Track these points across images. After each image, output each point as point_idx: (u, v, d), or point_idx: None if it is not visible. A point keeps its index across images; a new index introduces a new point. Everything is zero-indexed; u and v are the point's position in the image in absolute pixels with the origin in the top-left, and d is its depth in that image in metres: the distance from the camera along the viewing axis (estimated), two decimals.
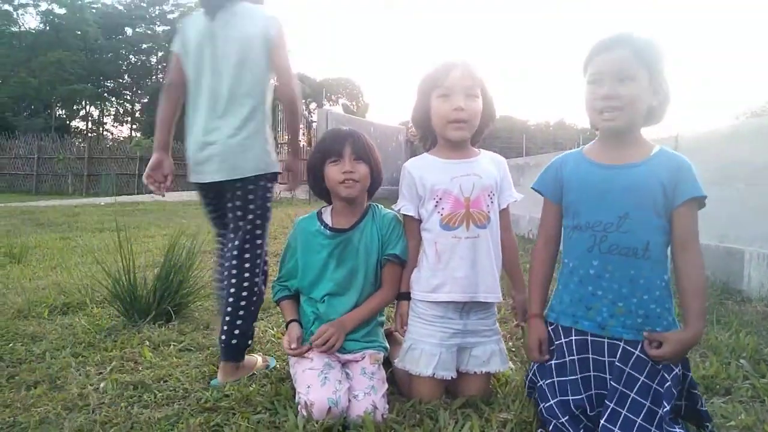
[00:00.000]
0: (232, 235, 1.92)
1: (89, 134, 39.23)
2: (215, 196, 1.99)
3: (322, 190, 1.84)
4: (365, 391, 1.59)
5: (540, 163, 7.59)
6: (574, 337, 1.43)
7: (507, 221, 1.81)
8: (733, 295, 3.32)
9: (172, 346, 2.18)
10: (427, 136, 1.83)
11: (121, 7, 40.61)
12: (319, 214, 1.85)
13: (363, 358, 1.73)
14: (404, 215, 1.79)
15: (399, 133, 17.42)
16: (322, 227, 1.81)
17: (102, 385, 1.79)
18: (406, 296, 1.78)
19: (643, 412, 1.32)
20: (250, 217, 1.90)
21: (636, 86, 1.37)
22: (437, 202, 1.71)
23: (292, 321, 1.79)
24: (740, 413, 1.64)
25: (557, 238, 1.56)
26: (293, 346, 1.71)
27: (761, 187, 3.42)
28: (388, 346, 1.87)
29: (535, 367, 1.54)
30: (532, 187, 1.61)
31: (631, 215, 1.37)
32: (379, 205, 1.89)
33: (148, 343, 2.21)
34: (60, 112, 37.86)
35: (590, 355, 1.41)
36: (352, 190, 1.75)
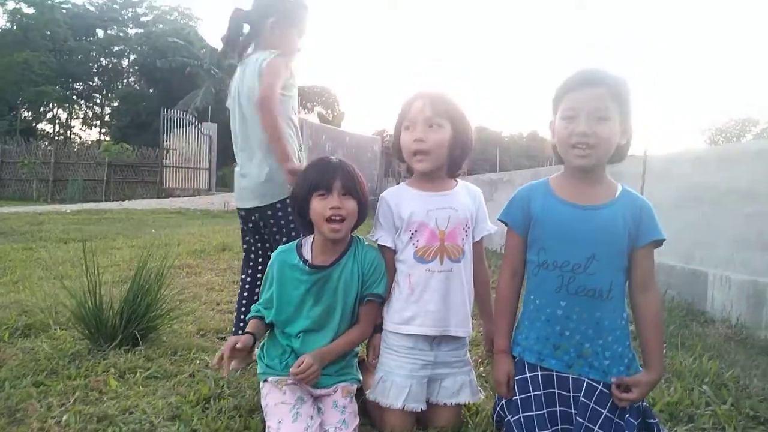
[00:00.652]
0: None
1: (56, 138, 38.26)
2: (253, 219, 2.33)
3: (305, 222, 1.76)
4: (336, 425, 1.57)
5: (512, 180, 7.66)
6: (539, 373, 1.45)
7: (481, 253, 1.82)
8: (698, 317, 3.41)
9: (138, 374, 2.12)
10: (409, 167, 1.83)
11: (92, 9, 39.74)
12: (299, 247, 1.79)
13: (336, 391, 1.72)
14: (380, 245, 1.79)
15: (374, 143, 17.44)
16: (301, 262, 1.75)
17: (65, 418, 1.73)
18: (379, 328, 1.78)
19: None
20: (277, 237, 2.25)
21: (611, 126, 1.39)
22: (412, 234, 1.71)
23: (249, 333, 1.72)
24: None
25: (522, 270, 1.57)
26: (239, 345, 1.61)
27: (725, 210, 3.53)
28: (360, 377, 1.86)
29: (503, 402, 1.55)
30: (499, 219, 1.63)
31: (597, 256, 1.39)
32: (362, 239, 1.83)
33: (113, 370, 2.15)
34: (26, 114, 36.81)
35: (556, 390, 1.43)
36: (338, 233, 1.67)
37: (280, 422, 1.53)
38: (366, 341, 1.86)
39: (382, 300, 1.77)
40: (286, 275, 1.76)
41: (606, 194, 1.45)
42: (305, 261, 1.75)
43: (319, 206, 1.67)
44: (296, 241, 1.84)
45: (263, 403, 1.69)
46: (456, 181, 1.82)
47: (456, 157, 1.76)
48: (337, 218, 1.66)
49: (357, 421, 1.65)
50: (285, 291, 1.76)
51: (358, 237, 1.83)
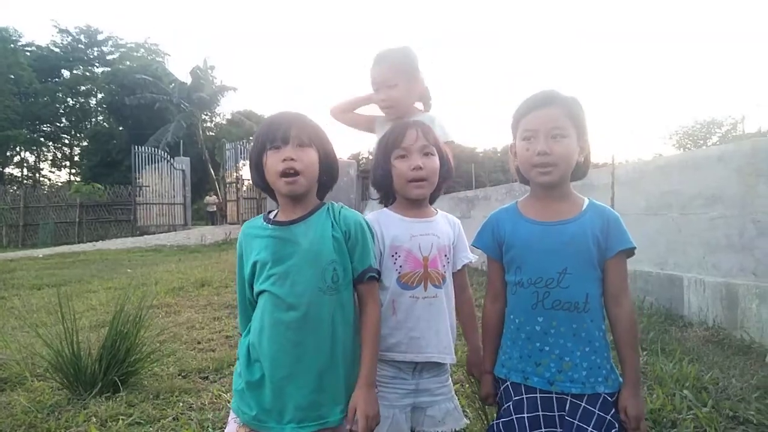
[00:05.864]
0: None
1: (24, 181, 37.49)
2: None
3: (268, 187, 1.52)
4: None
5: (488, 196, 7.77)
6: (524, 396, 1.46)
7: (464, 281, 1.84)
8: (676, 321, 3.48)
9: (120, 421, 2.07)
10: (388, 196, 1.84)
11: (57, 50, 39.41)
12: (267, 213, 1.57)
13: None
14: None
15: (350, 167, 17.36)
16: (263, 222, 1.52)
17: None
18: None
19: None
20: None
21: (568, 143, 1.45)
22: (396, 259, 1.72)
23: None
24: None
25: (504, 293, 1.59)
26: None
27: (692, 216, 3.63)
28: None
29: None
30: (472, 245, 1.66)
31: (569, 270, 1.42)
32: (341, 205, 1.58)
33: (94, 419, 2.10)
34: None
35: (540, 413, 1.44)
36: (294, 185, 1.44)
37: None
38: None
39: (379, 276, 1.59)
40: (251, 247, 1.51)
41: (572, 209, 1.49)
42: (267, 220, 1.52)
43: (271, 161, 1.44)
44: None
45: None
46: (436, 210, 1.85)
47: (440, 184, 1.80)
48: (292, 171, 1.43)
49: None
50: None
51: (333, 202, 1.58)
